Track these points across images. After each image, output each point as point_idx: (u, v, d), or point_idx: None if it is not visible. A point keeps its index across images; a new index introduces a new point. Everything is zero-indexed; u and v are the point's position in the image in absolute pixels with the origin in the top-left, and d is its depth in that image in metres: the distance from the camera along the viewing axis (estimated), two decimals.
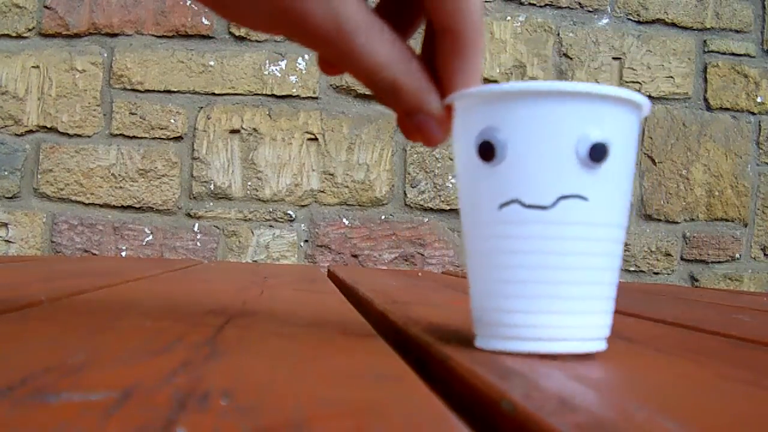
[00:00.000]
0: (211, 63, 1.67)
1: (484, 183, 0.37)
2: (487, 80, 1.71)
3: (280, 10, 0.37)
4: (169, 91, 1.70)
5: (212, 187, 1.71)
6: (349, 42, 0.38)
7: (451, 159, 1.69)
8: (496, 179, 0.37)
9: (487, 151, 0.37)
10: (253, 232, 1.72)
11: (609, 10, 1.77)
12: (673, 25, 1.80)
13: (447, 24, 0.40)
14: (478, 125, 0.37)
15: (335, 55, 0.39)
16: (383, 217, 1.76)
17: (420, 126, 0.41)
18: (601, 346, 0.38)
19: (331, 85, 1.70)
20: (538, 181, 0.36)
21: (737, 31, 1.82)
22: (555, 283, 0.36)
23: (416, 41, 0.43)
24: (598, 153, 0.36)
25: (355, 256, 1.76)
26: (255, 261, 1.72)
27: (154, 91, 1.71)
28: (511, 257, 0.37)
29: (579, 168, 0.36)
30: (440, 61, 0.41)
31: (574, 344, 0.37)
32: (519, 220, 0.36)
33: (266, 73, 1.69)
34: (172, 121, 1.71)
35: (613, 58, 1.77)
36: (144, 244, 1.71)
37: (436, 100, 0.41)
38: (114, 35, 1.69)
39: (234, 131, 1.71)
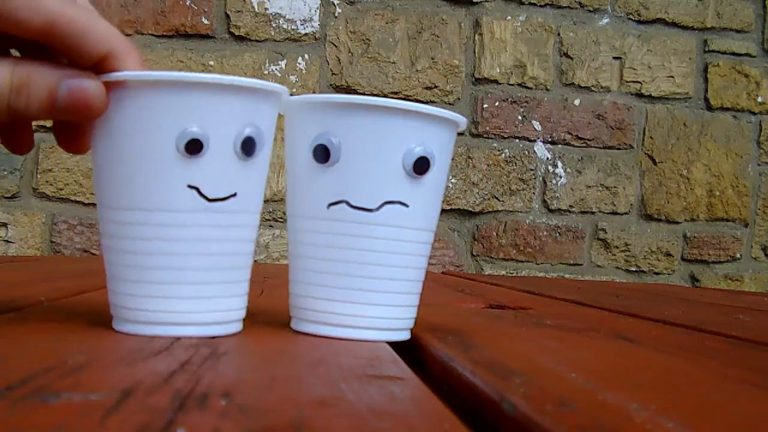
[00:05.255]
0: (211, 63, 1.67)
1: (317, 182, 0.41)
2: (487, 80, 1.71)
3: None
4: None
5: None
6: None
7: (451, 159, 1.69)
8: (328, 180, 0.40)
9: (322, 154, 0.40)
10: None
11: (609, 9, 1.77)
12: (674, 24, 1.79)
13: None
14: (315, 129, 0.41)
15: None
16: None
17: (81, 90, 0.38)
18: (406, 335, 0.43)
19: (331, 85, 1.70)
20: (367, 186, 0.40)
21: (738, 31, 1.81)
22: (371, 278, 0.41)
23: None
24: (422, 166, 0.40)
25: None
26: (255, 261, 1.73)
27: None
28: (335, 252, 0.41)
29: (404, 177, 0.40)
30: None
31: (382, 333, 0.41)
32: (345, 219, 0.40)
33: (266, 72, 1.69)
34: None
35: (614, 58, 1.77)
36: None
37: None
38: None
39: None
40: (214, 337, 0.38)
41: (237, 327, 0.41)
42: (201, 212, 0.38)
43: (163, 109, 0.37)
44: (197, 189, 0.37)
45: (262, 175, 0.41)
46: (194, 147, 0.37)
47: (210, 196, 0.38)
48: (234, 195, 0.38)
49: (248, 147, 0.38)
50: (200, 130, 0.37)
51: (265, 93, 0.39)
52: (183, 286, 0.38)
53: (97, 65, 0.39)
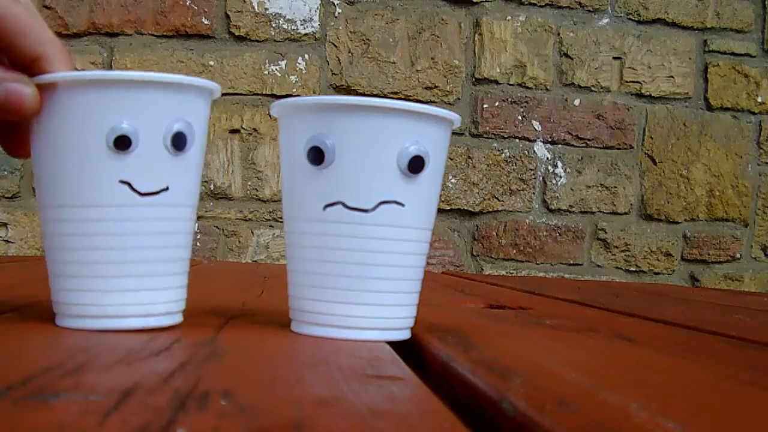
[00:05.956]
0: (211, 63, 1.68)
1: (312, 184, 0.41)
2: (487, 80, 1.71)
3: None
4: None
5: (212, 187, 1.72)
6: None
7: (451, 159, 1.69)
8: (323, 182, 0.41)
9: (316, 156, 0.40)
10: (253, 232, 1.72)
11: (609, 9, 1.77)
12: (674, 24, 1.79)
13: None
14: (308, 131, 0.41)
15: None
16: None
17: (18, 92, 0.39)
18: (406, 335, 0.43)
19: (331, 85, 1.70)
20: (362, 186, 0.40)
21: (738, 31, 1.81)
22: (370, 278, 0.41)
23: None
24: (416, 165, 0.40)
25: None
26: (255, 261, 1.72)
27: None
28: (333, 254, 0.41)
29: (399, 177, 0.40)
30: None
31: (382, 333, 0.41)
32: (341, 221, 0.40)
33: (266, 72, 1.69)
34: None
35: (614, 58, 1.77)
36: None
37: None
38: (114, 35, 1.69)
39: (234, 131, 1.71)
40: (153, 329, 0.39)
41: (177, 318, 0.42)
42: (134, 206, 0.39)
43: (93, 107, 0.38)
44: (129, 184, 0.38)
45: (196, 169, 0.42)
46: (123, 143, 0.38)
47: (142, 191, 0.39)
48: (166, 189, 0.39)
49: (178, 142, 0.39)
50: (129, 126, 0.38)
51: (194, 89, 0.40)
52: (120, 279, 0.39)
53: (30, 65, 0.40)
